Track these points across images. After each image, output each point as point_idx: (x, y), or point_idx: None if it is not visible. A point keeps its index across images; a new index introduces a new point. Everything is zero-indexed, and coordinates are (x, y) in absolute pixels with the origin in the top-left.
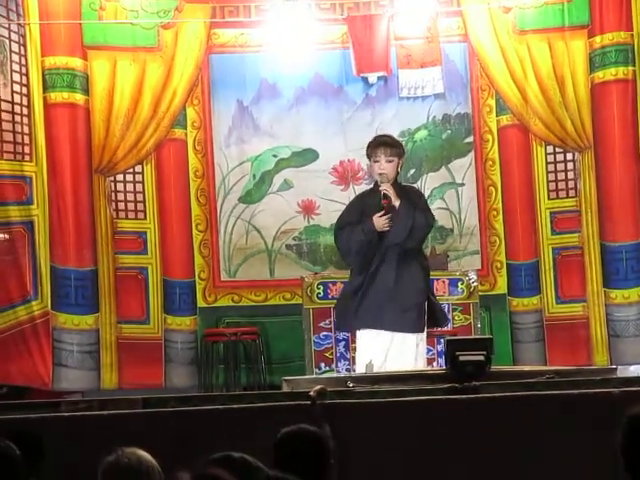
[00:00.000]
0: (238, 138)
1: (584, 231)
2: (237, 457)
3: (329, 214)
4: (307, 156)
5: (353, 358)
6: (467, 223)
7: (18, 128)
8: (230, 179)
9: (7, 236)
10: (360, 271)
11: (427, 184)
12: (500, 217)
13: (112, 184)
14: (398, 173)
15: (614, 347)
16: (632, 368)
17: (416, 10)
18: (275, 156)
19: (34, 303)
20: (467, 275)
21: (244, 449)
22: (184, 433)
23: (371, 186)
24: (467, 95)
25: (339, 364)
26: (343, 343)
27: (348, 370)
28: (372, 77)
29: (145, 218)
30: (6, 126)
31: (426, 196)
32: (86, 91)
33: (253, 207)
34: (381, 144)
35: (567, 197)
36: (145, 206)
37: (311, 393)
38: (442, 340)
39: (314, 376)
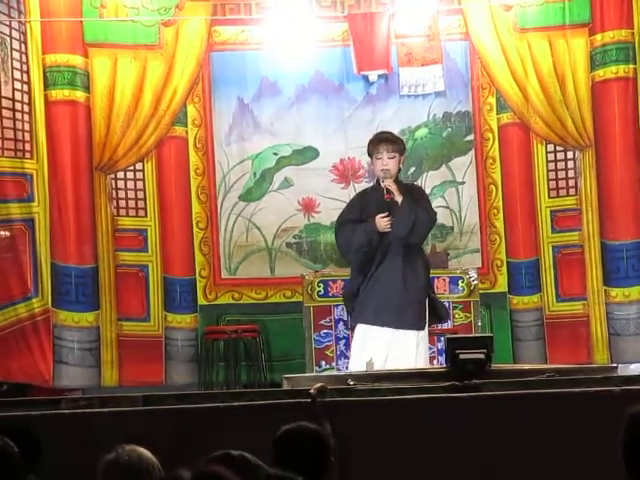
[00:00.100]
0: (239, 136)
1: (584, 229)
2: (237, 455)
3: (329, 212)
4: (307, 154)
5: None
6: (467, 221)
7: (19, 125)
8: (231, 177)
9: (8, 233)
10: (360, 269)
11: (427, 182)
12: (500, 215)
13: (113, 182)
14: (400, 170)
15: (614, 345)
16: (632, 366)
17: (417, 8)
18: (276, 154)
19: (34, 300)
20: (467, 273)
21: (244, 447)
22: (184, 431)
23: (372, 184)
24: (468, 93)
25: (339, 362)
26: (344, 341)
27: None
28: (373, 75)
29: (146, 216)
30: (7, 123)
31: None
32: (87, 89)
33: (253, 205)
34: (383, 141)
35: (567, 195)
36: (146, 204)
37: (311, 391)
38: (442, 338)
39: (314, 374)
